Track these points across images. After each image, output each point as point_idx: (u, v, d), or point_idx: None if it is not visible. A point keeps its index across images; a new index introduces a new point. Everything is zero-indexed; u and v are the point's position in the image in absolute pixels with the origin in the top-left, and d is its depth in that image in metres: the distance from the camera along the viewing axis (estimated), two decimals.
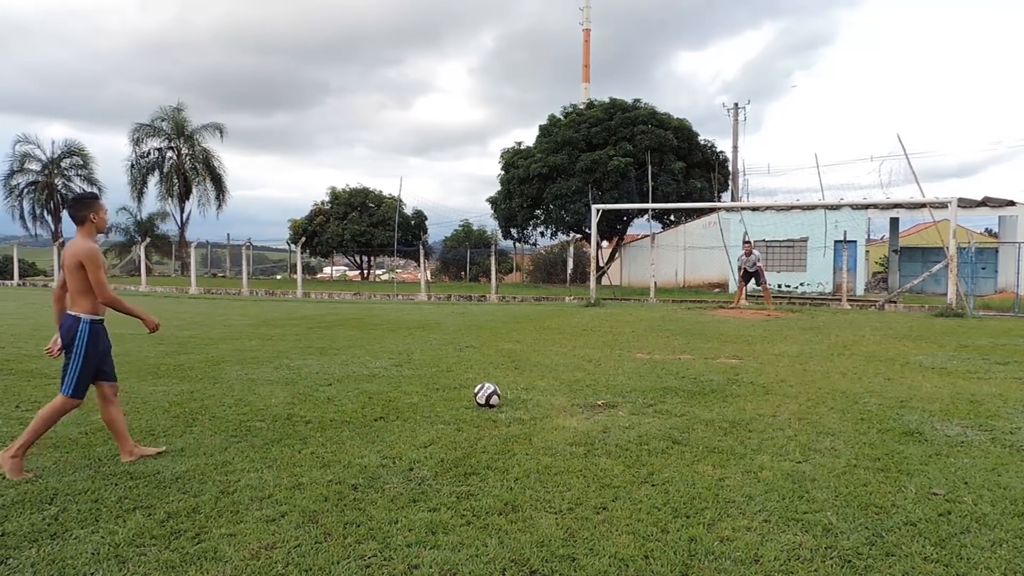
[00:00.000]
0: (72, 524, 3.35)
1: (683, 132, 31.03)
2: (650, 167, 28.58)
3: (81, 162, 43.35)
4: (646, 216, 30.31)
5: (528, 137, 42.46)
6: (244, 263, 30.32)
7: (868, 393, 6.60)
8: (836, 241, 25.58)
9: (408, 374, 7.65)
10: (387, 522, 3.38)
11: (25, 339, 10.55)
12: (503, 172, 33.38)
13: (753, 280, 18.39)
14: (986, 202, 25.22)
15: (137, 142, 42.17)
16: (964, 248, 19.51)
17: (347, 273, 49.50)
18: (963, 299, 17.68)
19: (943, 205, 19.26)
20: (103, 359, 4.30)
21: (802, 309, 18.52)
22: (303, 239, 34.67)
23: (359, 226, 38.72)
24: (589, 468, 4.24)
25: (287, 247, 41.36)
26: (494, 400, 5.89)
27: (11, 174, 41.50)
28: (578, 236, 32.71)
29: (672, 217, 33.76)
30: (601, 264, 29.69)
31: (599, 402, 6.15)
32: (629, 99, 31.71)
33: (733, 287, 24.22)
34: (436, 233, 43.82)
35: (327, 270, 52.82)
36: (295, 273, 31.56)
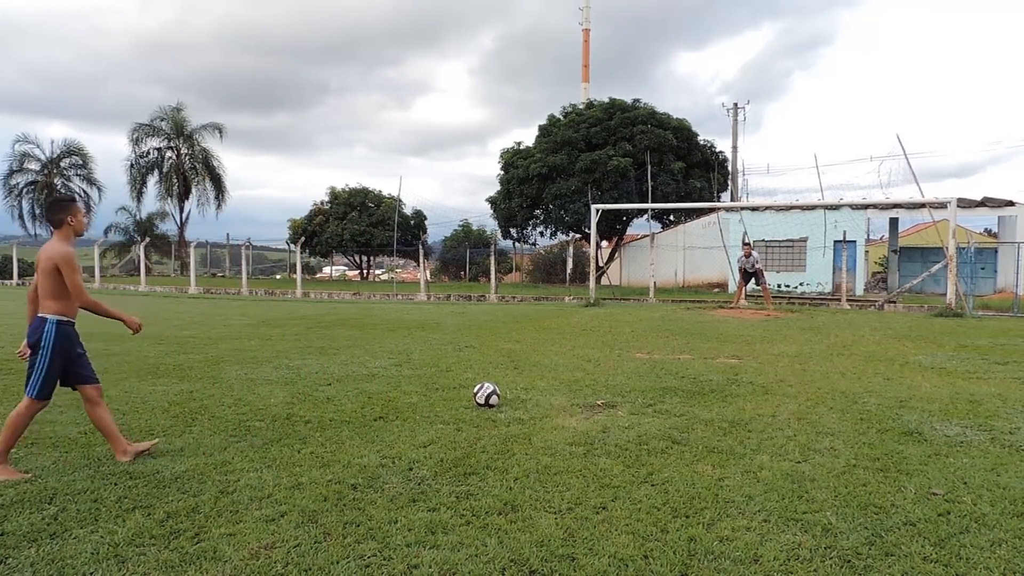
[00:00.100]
0: (71, 524, 3.35)
1: (683, 132, 31.03)
2: (649, 167, 28.58)
3: (80, 162, 43.35)
4: (646, 216, 30.31)
5: (528, 137, 42.49)
6: (243, 263, 30.32)
7: (867, 393, 6.60)
8: (835, 241, 25.59)
9: (408, 374, 7.65)
10: (387, 522, 3.38)
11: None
12: (503, 172, 33.37)
13: (753, 280, 18.43)
14: (985, 202, 25.23)
15: (136, 142, 42.17)
16: (963, 248, 19.52)
17: (346, 273, 49.49)
18: (962, 299, 17.69)
19: (942, 205, 19.27)
20: (74, 361, 4.22)
21: (801, 309, 18.52)
22: (303, 239, 34.68)
23: (359, 226, 38.71)
24: (589, 468, 4.24)
25: (287, 247, 41.35)
26: (493, 400, 5.89)
27: (10, 174, 41.49)
28: (578, 236, 32.72)
29: (672, 217, 33.77)
30: (601, 264, 29.70)
31: (599, 402, 6.15)
32: (629, 99, 31.74)
33: (733, 287, 24.23)
34: (436, 233, 43.87)
35: (326, 270, 52.81)
36: (294, 273, 31.55)
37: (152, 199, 46.34)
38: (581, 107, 33.15)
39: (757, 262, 18.21)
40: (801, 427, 5.26)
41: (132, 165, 42.31)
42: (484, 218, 53.46)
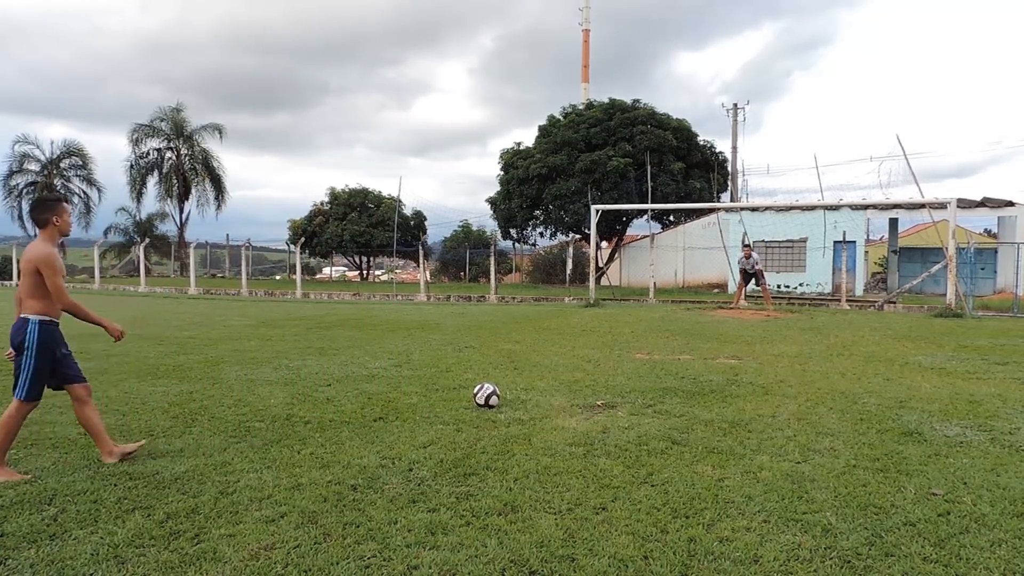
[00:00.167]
0: (71, 525, 3.35)
1: (682, 132, 31.03)
2: (649, 167, 28.59)
3: (80, 162, 43.34)
4: (645, 216, 30.32)
5: (527, 137, 42.48)
6: (243, 263, 30.31)
7: (867, 393, 6.60)
8: (835, 241, 25.59)
9: (407, 374, 7.65)
10: (386, 522, 3.38)
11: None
12: (502, 172, 33.38)
13: (753, 280, 18.47)
14: (985, 202, 25.23)
15: (136, 142, 42.16)
16: (963, 248, 19.53)
17: (346, 273, 49.47)
18: (962, 299, 17.69)
19: (942, 205, 19.27)
20: (59, 362, 4.18)
21: (801, 309, 18.53)
22: (302, 239, 34.66)
23: (358, 226, 38.70)
24: (588, 468, 4.24)
25: (286, 247, 41.33)
26: (493, 400, 5.88)
27: (10, 174, 41.49)
28: (577, 236, 32.71)
29: (671, 217, 33.77)
30: (600, 264, 29.70)
31: (598, 402, 6.15)
32: (628, 99, 31.73)
33: (732, 287, 24.23)
34: (435, 233, 43.84)
35: (326, 270, 52.78)
36: (294, 273, 31.53)
37: (152, 200, 46.41)
38: (581, 107, 33.15)
39: (757, 263, 18.29)
40: (801, 427, 5.26)
41: (132, 166, 42.33)
42: (484, 218, 53.51)
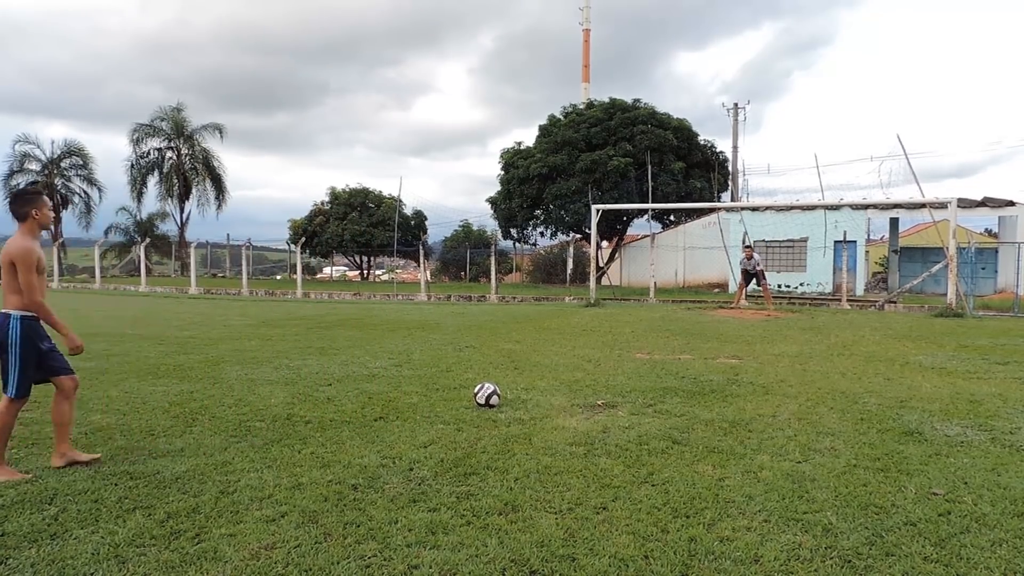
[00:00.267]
0: (72, 524, 3.35)
1: (683, 132, 31.03)
2: (650, 167, 28.58)
3: (81, 162, 43.31)
4: (646, 216, 30.30)
5: (528, 137, 42.46)
6: (244, 263, 30.32)
7: (868, 393, 6.60)
8: (836, 241, 25.58)
9: (408, 374, 7.65)
10: (387, 522, 3.38)
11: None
12: (503, 172, 33.37)
13: (753, 280, 18.50)
14: (986, 202, 25.22)
15: (137, 142, 42.17)
16: (964, 248, 19.51)
17: (347, 273, 49.47)
18: (963, 299, 17.68)
19: (943, 205, 19.26)
20: (46, 355, 4.16)
21: (802, 309, 18.53)
22: (303, 239, 34.67)
23: (359, 226, 38.71)
24: (589, 468, 4.24)
25: (287, 247, 41.33)
26: (494, 400, 5.89)
27: (11, 174, 41.46)
28: (578, 236, 32.70)
29: (672, 217, 33.76)
30: (601, 264, 29.70)
31: (599, 402, 6.15)
32: (629, 99, 31.71)
33: (733, 287, 24.23)
34: (436, 233, 43.83)
35: (327, 270, 52.78)
36: (295, 273, 31.55)
37: (152, 199, 46.41)
38: (581, 107, 33.14)
39: (759, 264, 18.38)
40: (801, 427, 5.26)
41: (132, 165, 42.34)
42: (484, 218, 53.48)
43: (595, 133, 30.37)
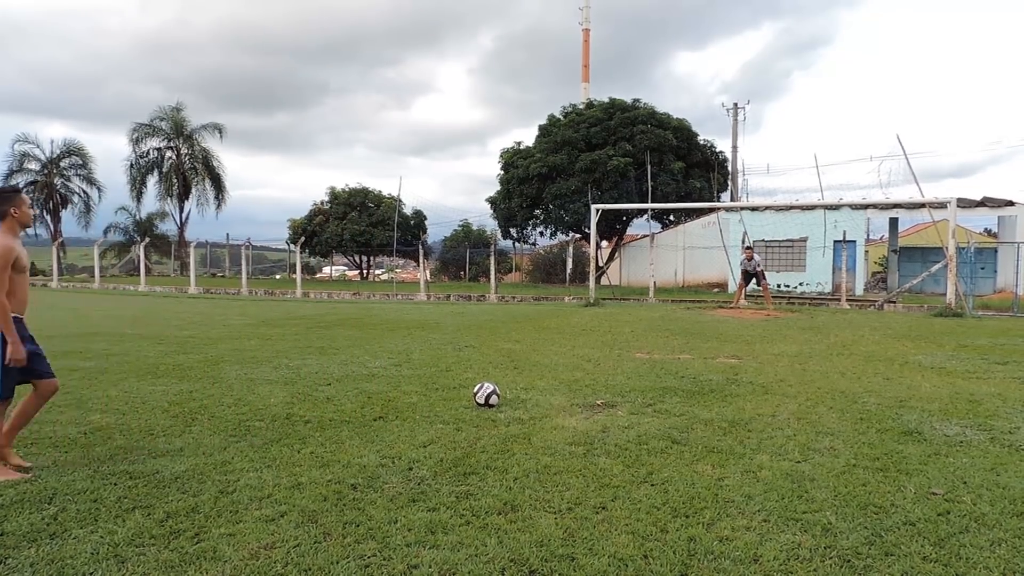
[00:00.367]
0: (71, 524, 3.35)
1: (682, 132, 31.03)
2: (649, 167, 28.58)
3: (80, 162, 43.31)
4: (645, 216, 30.31)
5: (527, 137, 42.44)
6: (243, 263, 30.31)
7: (867, 393, 6.60)
8: (835, 241, 25.59)
9: (407, 374, 7.65)
10: (386, 522, 3.38)
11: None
12: (502, 172, 33.37)
13: (753, 280, 18.53)
14: (985, 202, 25.23)
15: (136, 142, 42.15)
16: (963, 248, 19.52)
17: (346, 273, 49.48)
18: (962, 299, 17.69)
19: (942, 205, 19.27)
20: (30, 357, 4.05)
21: (801, 309, 18.53)
22: (302, 239, 34.68)
23: (358, 226, 38.71)
24: (588, 468, 4.24)
25: (286, 247, 41.32)
26: (493, 400, 5.88)
27: (10, 174, 41.44)
28: (577, 236, 32.71)
29: (671, 217, 33.77)
30: (600, 264, 29.69)
31: (598, 402, 6.15)
32: (628, 99, 31.72)
33: (732, 287, 24.23)
34: (435, 233, 43.85)
35: (326, 270, 52.79)
36: (294, 273, 31.54)
37: (152, 199, 46.40)
38: (581, 107, 33.14)
39: (759, 265, 18.46)
40: (801, 427, 5.26)
41: (132, 165, 42.32)
42: (484, 218, 53.47)
43: (595, 133, 30.37)
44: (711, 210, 28.65)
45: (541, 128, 32.68)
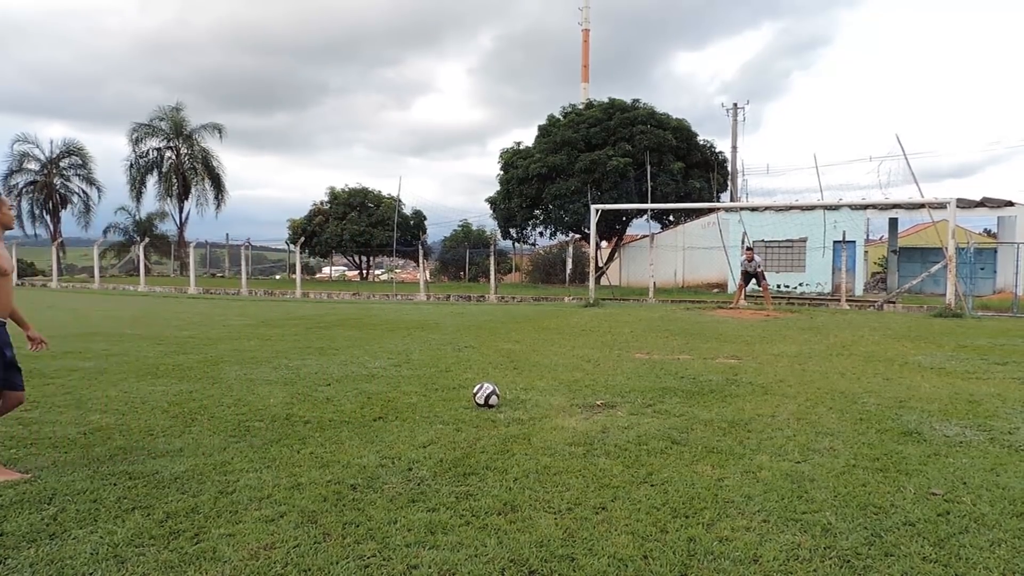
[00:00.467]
0: (71, 524, 3.35)
1: (682, 132, 31.03)
2: (649, 167, 28.59)
3: (80, 162, 43.30)
4: (645, 216, 30.32)
5: (527, 137, 42.44)
6: (243, 263, 30.31)
7: (867, 393, 6.60)
8: (835, 241, 25.59)
9: (407, 374, 7.65)
10: (386, 522, 3.38)
11: (22, 339, 10.53)
12: (502, 172, 33.37)
13: (753, 280, 18.54)
14: (985, 202, 25.23)
15: (136, 142, 42.14)
16: (963, 248, 19.53)
17: (346, 273, 49.47)
18: (962, 299, 17.69)
19: (942, 205, 19.27)
20: (10, 365, 4.02)
21: (801, 309, 18.54)
22: (302, 239, 34.66)
23: (358, 226, 38.70)
24: (588, 468, 4.24)
25: (286, 247, 41.32)
26: (493, 400, 5.88)
27: (10, 174, 41.45)
28: (577, 236, 32.71)
29: (671, 217, 33.78)
30: (600, 264, 29.70)
31: (598, 402, 6.15)
32: (628, 99, 31.73)
33: (732, 287, 24.23)
34: (435, 233, 43.85)
35: (326, 270, 52.79)
36: (294, 273, 31.54)
37: (151, 199, 46.41)
38: (581, 107, 33.14)
39: (760, 265, 18.48)
40: (800, 427, 5.26)
41: (131, 165, 42.31)
42: (484, 218, 53.49)
43: (594, 133, 30.37)
44: (711, 210, 28.65)
45: (541, 128, 32.68)
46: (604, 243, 33.89)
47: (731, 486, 3.92)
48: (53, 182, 42.08)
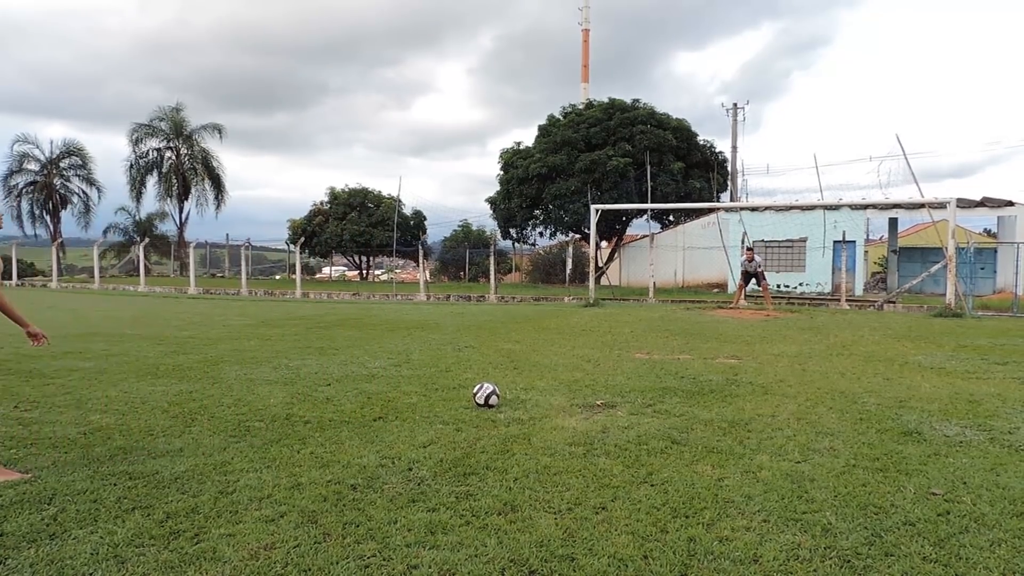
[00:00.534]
0: (71, 524, 3.35)
1: (682, 132, 31.03)
2: (649, 167, 28.58)
3: (80, 162, 43.26)
4: (645, 216, 30.32)
5: (527, 137, 42.44)
6: (243, 263, 30.30)
7: (867, 393, 6.60)
8: (835, 241, 25.59)
9: (407, 374, 7.64)
10: (386, 522, 3.38)
11: (22, 338, 10.53)
12: (502, 172, 33.37)
13: (753, 280, 18.54)
14: (985, 202, 25.23)
15: (136, 142, 42.11)
16: (963, 248, 19.53)
17: (346, 273, 49.47)
18: (962, 299, 17.69)
19: (942, 205, 19.27)
20: None
21: (801, 309, 18.54)
22: (302, 239, 34.66)
23: (358, 226, 38.70)
24: (588, 468, 4.24)
25: (286, 247, 41.31)
26: (493, 400, 5.88)
27: (10, 174, 41.44)
28: (577, 236, 32.72)
29: (671, 217, 33.77)
30: (600, 264, 29.69)
31: (598, 402, 6.15)
32: (628, 99, 31.72)
33: (732, 287, 24.24)
34: (435, 233, 43.84)
35: (326, 270, 52.78)
36: (294, 273, 31.53)
37: (151, 199, 46.36)
38: (581, 107, 33.13)
39: (760, 265, 18.49)
40: (801, 427, 5.26)
41: (131, 165, 42.27)
42: (484, 218, 53.46)
43: (594, 133, 30.37)
44: (711, 210, 28.65)
45: (541, 128, 32.68)
46: (604, 243, 33.90)
47: (731, 486, 3.92)
48: (53, 182, 42.06)
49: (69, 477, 4.02)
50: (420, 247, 32.95)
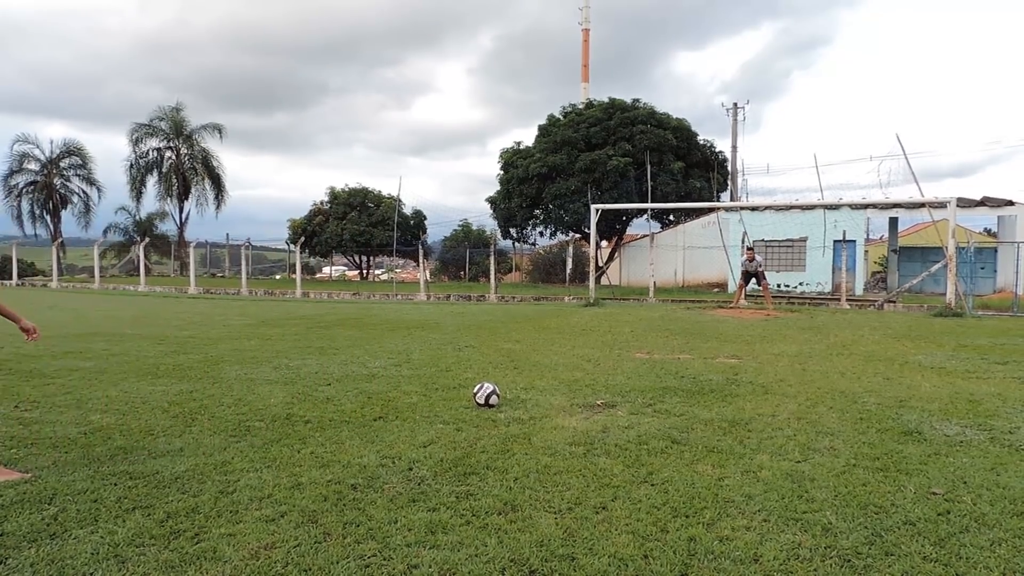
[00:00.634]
0: (71, 524, 3.35)
1: (682, 132, 31.03)
2: (649, 167, 28.58)
3: (80, 162, 43.28)
4: (645, 216, 30.31)
5: (527, 137, 42.42)
6: (243, 263, 30.31)
7: (867, 393, 6.60)
8: (835, 241, 25.58)
9: (407, 374, 7.65)
10: (386, 522, 3.38)
11: (23, 339, 10.53)
12: (502, 172, 33.36)
13: (753, 280, 18.55)
14: (985, 202, 25.23)
15: (136, 142, 42.12)
16: (963, 248, 19.52)
17: (346, 273, 49.46)
18: (962, 299, 17.69)
19: (942, 205, 19.27)
20: None
21: (801, 309, 18.53)
22: (302, 239, 34.68)
23: (358, 226, 38.70)
24: (588, 468, 4.24)
25: (286, 247, 41.31)
26: (493, 400, 5.88)
27: (10, 174, 41.44)
28: (577, 236, 32.71)
29: (671, 217, 33.76)
30: (600, 264, 29.69)
31: (598, 402, 6.15)
32: (628, 99, 31.71)
33: (732, 287, 24.24)
34: (435, 233, 43.85)
35: (326, 270, 52.78)
36: (294, 273, 31.54)
37: (152, 199, 46.36)
38: (581, 107, 33.13)
39: (760, 265, 18.48)
40: (801, 427, 5.26)
41: (132, 165, 42.29)
42: (484, 218, 53.48)
43: (594, 133, 30.36)
44: (711, 210, 28.65)
45: (541, 128, 32.68)
46: (604, 243, 33.89)
47: (731, 485, 3.92)
48: (53, 182, 42.07)
49: (69, 477, 4.02)
50: (420, 247, 32.96)
